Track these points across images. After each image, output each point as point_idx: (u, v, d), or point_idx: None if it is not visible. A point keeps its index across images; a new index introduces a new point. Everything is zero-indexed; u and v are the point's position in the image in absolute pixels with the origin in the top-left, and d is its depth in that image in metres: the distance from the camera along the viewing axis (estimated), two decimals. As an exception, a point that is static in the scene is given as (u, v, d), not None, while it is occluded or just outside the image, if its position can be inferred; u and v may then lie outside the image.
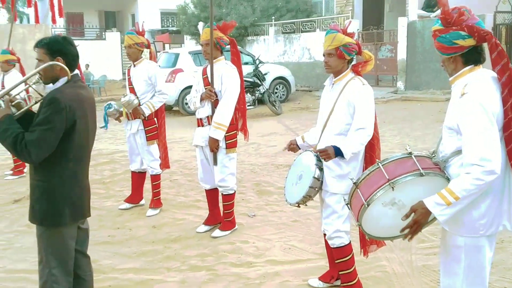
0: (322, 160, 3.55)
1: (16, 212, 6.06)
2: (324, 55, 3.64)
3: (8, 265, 4.55)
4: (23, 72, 7.61)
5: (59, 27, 24.52)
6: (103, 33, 27.33)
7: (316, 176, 3.56)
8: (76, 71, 3.03)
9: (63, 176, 2.94)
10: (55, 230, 3.00)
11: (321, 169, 3.59)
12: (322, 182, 3.63)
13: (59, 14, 8.52)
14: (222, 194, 5.20)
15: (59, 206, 2.95)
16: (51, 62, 2.92)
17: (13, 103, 2.99)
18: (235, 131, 5.11)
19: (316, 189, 3.62)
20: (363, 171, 3.64)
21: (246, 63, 14.93)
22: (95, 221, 5.68)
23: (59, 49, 2.94)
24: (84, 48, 19.37)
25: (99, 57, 24.44)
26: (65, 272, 3.05)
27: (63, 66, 2.92)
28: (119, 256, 4.77)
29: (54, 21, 9.27)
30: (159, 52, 20.86)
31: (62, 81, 2.98)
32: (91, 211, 4.90)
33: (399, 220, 2.59)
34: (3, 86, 7.04)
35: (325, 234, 3.81)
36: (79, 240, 3.19)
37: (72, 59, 2.98)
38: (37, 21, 8.39)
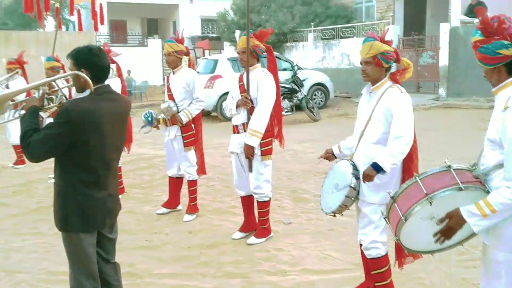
0: (359, 169, 3.51)
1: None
2: (361, 63, 3.60)
3: (49, 267, 4.66)
4: (67, 80, 7.82)
5: (103, 35, 25.20)
6: (145, 40, 27.86)
7: (352, 185, 3.52)
8: (106, 83, 3.05)
9: (73, 185, 2.98)
10: (72, 236, 3.05)
11: (357, 178, 3.55)
12: (358, 191, 3.58)
13: (101, 21, 8.73)
14: (257, 201, 5.20)
15: (68, 213, 3.00)
16: (68, 73, 3.01)
17: (48, 97, 3.08)
18: (271, 138, 5.11)
19: (352, 198, 3.57)
20: (401, 181, 3.58)
21: (285, 69, 14.92)
22: (133, 225, 5.79)
23: (83, 61, 2.97)
24: (127, 55, 19.85)
25: (141, 63, 24.92)
26: (88, 277, 3.09)
27: (86, 78, 2.95)
28: (155, 261, 4.82)
29: (96, 28, 9.52)
30: (199, 58, 21.12)
31: (87, 92, 3.01)
32: (130, 215, 5.02)
33: None
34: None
35: (361, 245, 3.75)
36: (105, 248, 3.24)
37: (97, 71, 2.99)
38: (80, 28, 8.64)
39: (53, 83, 3.29)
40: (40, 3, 8.32)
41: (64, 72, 7.51)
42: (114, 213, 3.22)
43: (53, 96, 3.18)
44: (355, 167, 3.57)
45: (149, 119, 5.97)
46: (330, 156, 3.95)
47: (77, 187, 2.98)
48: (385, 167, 3.36)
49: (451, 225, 2.49)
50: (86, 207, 3.00)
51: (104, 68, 3.03)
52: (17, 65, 8.50)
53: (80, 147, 2.90)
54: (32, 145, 2.83)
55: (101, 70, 3.02)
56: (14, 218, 6.16)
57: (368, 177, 3.42)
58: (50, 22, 29.72)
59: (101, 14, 8.28)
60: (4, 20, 29.33)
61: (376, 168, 3.38)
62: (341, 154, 3.91)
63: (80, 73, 2.95)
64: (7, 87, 8.30)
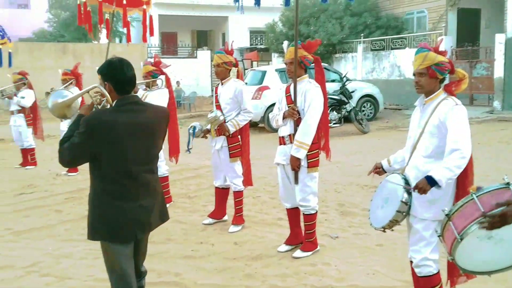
0: (411, 183, 3.39)
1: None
2: (414, 75, 3.49)
3: (97, 274, 4.70)
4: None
5: (154, 46, 25.76)
6: (195, 51, 28.30)
7: (404, 200, 3.40)
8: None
9: (99, 195, 3.06)
10: (104, 245, 3.11)
11: (409, 193, 3.43)
12: (410, 206, 3.46)
13: (151, 33, 8.91)
14: (303, 213, 5.13)
15: (94, 221, 3.09)
16: (89, 87, 3.21)
17: (100, 106, 3.20)
18: (317, 150, 5.03)
19: (404, 213, 3.45)
20: (454, 197, 3.44)
21: (333, 81, 14.80)
22: (180, 235, 5.82)
23: (105, 75, 3.07)
24: (177, 66, 20.24)
25: (190, 74, 25.34)
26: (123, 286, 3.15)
27: (104, 92, 3.07)
28: (201, 271, 4.82)
29: (145, 39, 9.73)
30: (247, 69, 21.25)
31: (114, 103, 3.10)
32: (176, 224, 5.05)
33: (497, 254, 2.41)
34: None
35: (411, 262, 3.62)
36: (138, 258, 3.29)
37: (117, 84, 3.05)
38: (128, 40, 8.85)
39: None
40: (92, 17, 8.59)
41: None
42: (148, 225, 3.19)
43: (107, 105, 3.26)
44: (406, 181, 3.45)
45: (190, 131, 6.03)
46: (380, 171, 3.84)
47: (102, 197, 3.05)
48: (441, 181, 3.21)
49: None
50: (111, 217, 3.04)
51: (124, 80, 3.06)
52: (72, 76, 8.78)
53: (100, 157, 2.97)
54: (61, 152, 2.98)
55: (121, 82, 3.06)
56: (66, 224, 6.31)
57: (421, 190, 3.27)
58: (104, 34, 30.67)
59: (151, 25, 8.44)
60: (62, 32, 30.47)
61: (431, 181, 3.25)
62: (391, 168, 3.80)
63: (99, 86, 3.10)
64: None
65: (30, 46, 23.72)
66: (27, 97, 9.60)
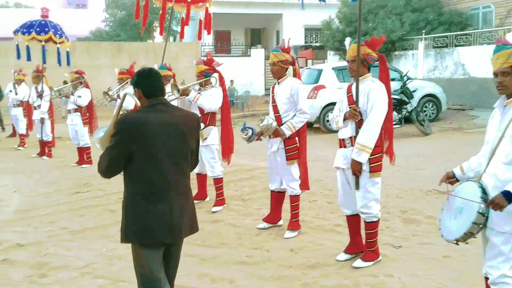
0: (489, 193, 3.06)
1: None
2: (495, 74, 3.15)
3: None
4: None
5: (208, 45, 25.90)
6: (248, 50, 28.26)
7: (481, 211, 3.08)
8: (161, 97, 3.25)
9: (132, 197, 3.13)
10: (134, 248, 3.17)
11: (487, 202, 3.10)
12: (487, 217, 3.12)
13: (208, 31, 8.83)
14: (364, 221, 4.83)
15: (127, 224, 3.14)
16: (122, 99, 3.60)
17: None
18: (380, 154, 4.73)
19: (480, 225, 3.13)
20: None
21: (393, 80, 14.21)
22: (233, 239, 5.65)
23: (135, 82, 3.29)
24: (230, 65, 20.20)
25: (243, 73, 25.28)
26: None
27: (134, 98, 3.29)
28: (255, 278, 4.62)
29: (200, 37, 9.70)
30: (301, 68, 20.96)
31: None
32: (230, 228, 4.89)
33: None
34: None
35: (487, 278, 3.28)
36: (169, 263, 3.28)
37: (146, 90, 3.22)
38: (181, 37, 8.81)
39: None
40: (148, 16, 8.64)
41: (175, 81, 7.68)
42: (179, 229, 3.18)
43: None
44: (484, 191, 3.12)
45: (244, 135, 5.81)
46: (453, 181, 3.52)
47: (135, 199, 3.11)
48: None
49: None
50: (141, 219, 3.08)
51: (152, 87, 3.23)
52: (128, 75, 8.80)
53: (133, 158, 3.05)
54: (99, 161, 3.13)
55: (150, 89, 3.23)
56: (119, 225, 6.21)
57: (497, 206, 2.99)
58: (158, 33, 31.17)
59: (209, 23, 8.35)
60: (118, 32, 31.19)
61: (509, 197, 2.95)
62: (464, 176, 3.48)
63: (129, 93, 3.43)
64: (118, 96, 8.63)
65: (87, 46, 24.35)
66: (83, 96, 9.73)
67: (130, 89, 6.34)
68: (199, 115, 6.68)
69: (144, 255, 3.13)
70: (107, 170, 3.11)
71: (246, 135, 5.74)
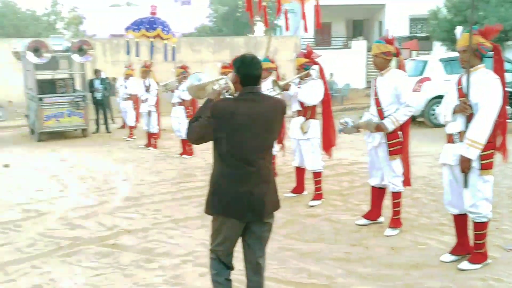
0: None
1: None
2: None
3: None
4: (279, 80, 7.92)
5: (308, 38, 25.75)
6: (349, 42, 27.75)
7: None
8: (254, 86, 3.37)
9: (217, 175, 3.40)
10: (214, 219, 3.46)
11: None
12: None
13: (317, 25, 8.63)
14: (473, 221, 4.53)
15: (209, 197, 3.43)
16: (220, 77, 3.63)
17: (227, 92, 3.48)
18: (493, 150, 4.41)
19: None
20: None
21: (506, 71, 13.29)
22: (331, 235, 5.57)
23: (235, 68, 3.41)
24: (330, 57, 19.94)
25: (343, 65, 24.87)
26: (217, 260, 3.53)
27: (230, 85, 3.42)
28: (354, 276, 4.51)
29: (306, 29, 9.62)
30: (405, 59, 20.18)
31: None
32: (328, 223, 4.86)
33: None
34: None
35: None
36: (249, 245, 3.51)
37: (243, 77, 3.36)
38: (287, 28, 8.77)
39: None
40: (254, 7, 8.72)
41: (277, 73, 7.72)
42: (259, 208, 3.37)
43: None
44: None
45: (341, 127, 5.67)
46: None
47: (219, 178, 3.38)
48: None
49: None
50: (224, 197, 3.34)
51: (249, 75, 3.36)
52: (230, 68, 8.96)
53: (221, 141, 3.31)
54: (189, 130, 3.42)
55: (247, 76, 3.36)
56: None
57: None
58: (259, 28, 31.51)
59: (318, 17, 8.19)
60: (220, 27, 31.98)
61: None
62: None
63: (227, 78, 3.50)
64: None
65: (191, 41, 25.20)
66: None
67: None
68: (299, 108, 6.66)
69: (220, 228, 3.43)
70: (196, 141, 3.46)
71: (343, 126, 5.62)
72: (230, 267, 3.61)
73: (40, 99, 13.22)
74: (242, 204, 3.33)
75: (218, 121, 3.27)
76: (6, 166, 9.92)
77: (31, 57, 12.87)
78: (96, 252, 5.25)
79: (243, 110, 3.29)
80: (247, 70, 3.36)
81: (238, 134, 3.28)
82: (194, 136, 3.41)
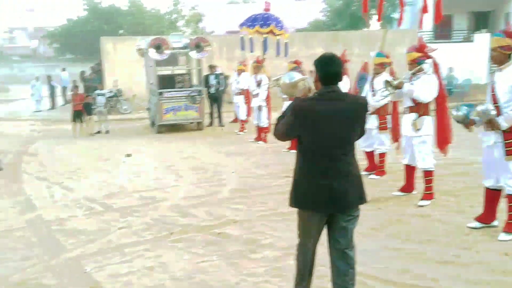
0: None
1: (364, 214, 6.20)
2: None
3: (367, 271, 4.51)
4: (393, 75, 7.67)
5: (427, 31, 24.64)
6: (471, 35, 26.14)
7: None
8: (334, 85, 3.48)
9: (299, 169, 3.57)
10: (299, 212, 3.64)
11: None
12: None
13: (436, 19, 8.05)
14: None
15: (292, 191, 3.60)
16: (304, 77, 3.84)
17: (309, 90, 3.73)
18: None
19: None
20: None
21: None
22: (440, 236, 5.38)
23: (315, 66, 3.54)
24: (450, 51, 18.92)
25: (464, 60, 23.48)
26: (301, 251, 3.72)
27: (310, 85, 3.71)
28: (461, 282, 4.32)
29: (421, 26, 9.22)
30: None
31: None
32: (438, 224, 4.84)
33: None
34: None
35: None
36: (336, 235, 3.59)
37: (322, 76, 3.51)
38: (399, 24, 8.45)
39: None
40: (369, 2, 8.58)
41: (391, 68, 7.52)
42: (340, 204, 3.48)
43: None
44: None
45: (462, 112, 5.32)
46: None
47: (301, 173, 3.54)
48: None
49: None
50: (306, 190, 3.50)
51: (328, 74, 3.49)
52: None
53: (302, 139, 3.52)
54: (277, 126, 3.66)
55: (325, 75, 3.49)
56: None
57: None
58: (374, 21, 30.74)
59: (438, 10, 7.70)
60: (334, 21, 31.67)
61: None
62: None
63: (308, 79, 3.77)
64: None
65: (304, 36, 25.19)
66: None
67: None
68: (411, 104, 6.40)
69: (303, 220, 3.63)
70: (281, 137, 3.70)
71: (458, 115, 5.31)
72: (312, 262, 3.76)
73: (160, 93, 14.05)
74: (322, 197, 3.45)
75: (298, 119, 3.45)
76: (129, 155, 10.71)
77: (153, 53, 13.71)
78: (204, 240, 5.52)
79: (321, 108, 3.44)
80: (326, 69, 3.49)
81: (318, 131, 3.43)
82: (279, 133, 3.64)
